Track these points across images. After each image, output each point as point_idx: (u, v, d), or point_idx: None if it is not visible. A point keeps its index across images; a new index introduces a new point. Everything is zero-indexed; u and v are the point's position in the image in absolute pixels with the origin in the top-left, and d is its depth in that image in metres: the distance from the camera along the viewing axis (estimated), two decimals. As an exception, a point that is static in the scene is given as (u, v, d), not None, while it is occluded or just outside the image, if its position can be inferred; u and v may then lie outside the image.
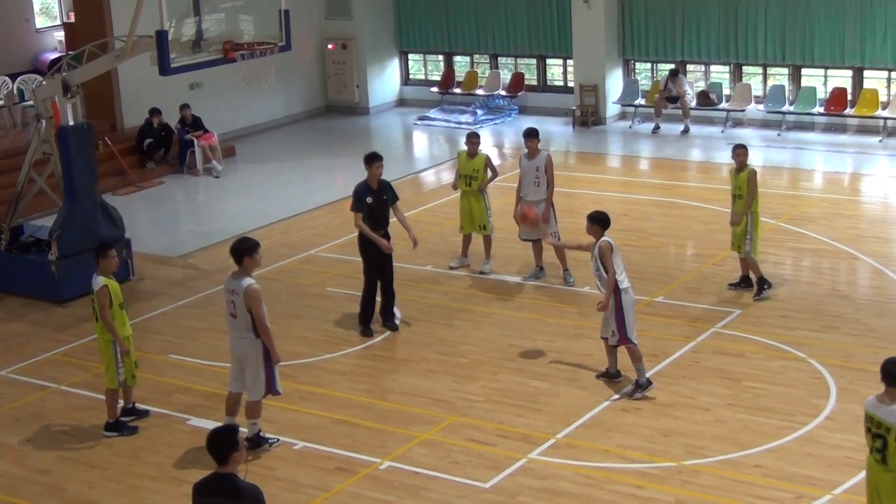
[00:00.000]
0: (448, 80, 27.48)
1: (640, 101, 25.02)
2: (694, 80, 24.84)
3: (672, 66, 24.54)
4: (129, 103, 23.13)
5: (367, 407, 12.28)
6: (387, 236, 13.96)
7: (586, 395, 12.18)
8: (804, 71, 23.78)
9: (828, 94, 23.33)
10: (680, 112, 24.01)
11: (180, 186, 22.09)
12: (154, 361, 13.46)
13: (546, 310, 14.66)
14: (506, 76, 26.88)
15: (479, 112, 26.02)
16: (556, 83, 26.64)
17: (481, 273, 15.93)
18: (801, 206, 18.51)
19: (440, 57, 27.88)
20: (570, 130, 24.80)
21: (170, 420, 12.13)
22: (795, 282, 15.40)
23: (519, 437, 11.36)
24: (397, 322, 14.28)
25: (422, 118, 26.33)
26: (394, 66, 27.98)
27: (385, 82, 27.80)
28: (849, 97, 23.07)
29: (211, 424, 11.01)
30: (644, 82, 25.48)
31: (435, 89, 27.41)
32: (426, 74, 28.35)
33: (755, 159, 21.12)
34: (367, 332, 14.00)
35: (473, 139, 15.89)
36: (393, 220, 14.11)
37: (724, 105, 24.14)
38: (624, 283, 12.01)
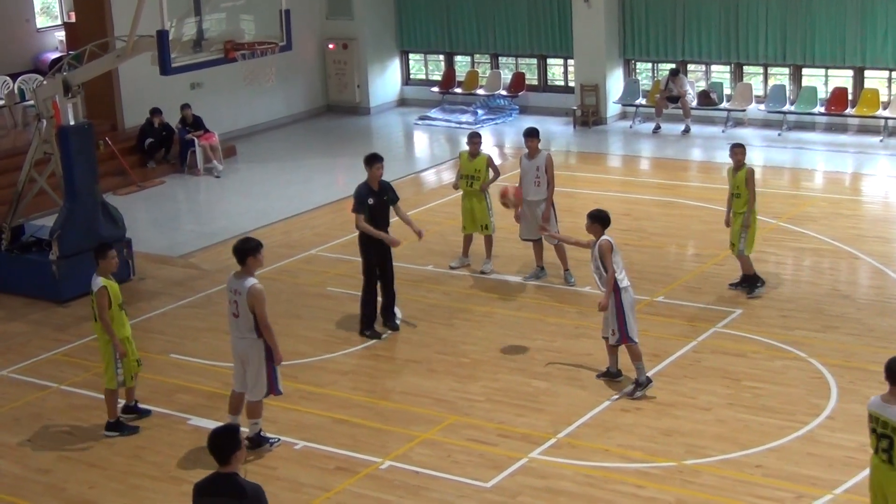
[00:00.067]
0: (449, 80, 27.48)
1: (641, 100, 25.01)
2: (695, 80, 24.83)
3: (673, 65, 24.54)
4: (129, 103, 23.13)
5: (368, 407, 12.28)
6: (386, 237, 13.98)
7: (587, 395, 12.19)
8: (805, 71, 23.78)
9: (828, 94, 23.32)
10: (681, 112, 24.00)
11: (181, 186, 22.10)
12: (155, 361, 13.47)
13: (547, 309, 14.67)
14: (506, 76, 26.88)
15: (480, 112, 26.01)
16: (557, 83, 26.64)
17: (482, 273, 15.93)
18: (801, 206, 18.51)
19: (441, 57, 27.88)
20: (571, 130, 24.80)
21: (171, 420, 12.13)
22: (796, 281, 15.40)
23: (520, 437, 11.36)
24: (398, 322, 14.28)
25: (422, 118, 26.32)
26: (394, 65, 27.98)
27: (386, 82, 27.81)
28: (849, 97, 23.07)
29: (212, 424, 11.00)
30: (645, 82, 25.48)
31: (436, 89, 27.41)
32: (427, 74, 28.35)
33: (756, 159, 21.22)
34: (374, 334, 13.99)
35: (475, 139, 15.89)
36: (394, 219, 14.11)
37: (724, 105, 24.14)
38: (624, 281, 12.01)
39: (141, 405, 12.23)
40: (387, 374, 13.18)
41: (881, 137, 22.43)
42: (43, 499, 10.75)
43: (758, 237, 15.34)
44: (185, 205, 21.43)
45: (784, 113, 23.39)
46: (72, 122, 15.94)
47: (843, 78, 23.38)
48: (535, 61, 26.63)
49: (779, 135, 23.19)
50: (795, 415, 11.53)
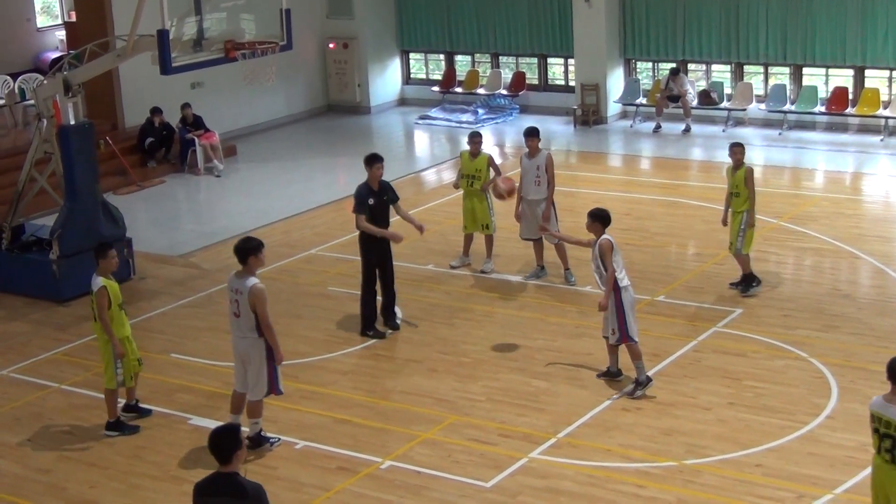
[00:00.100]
0: (449, 80, 27.48)
1: (642, 100, 25.01)
2: (695, 80, 24.82)
3: (673, 65, 24.53)
4: (130, 102, 23.14)
5: (369, 406, 12.27)
6: (386, 237, 13.96)
7: (587, 395, 12.18)
8: (805, 70, 23.77)
9: (829, 94, 23.32)
10: (681, 111, 24.00)
11: (181, 186, 22.09)
12: (155, 361, 13.46)
13: (547, 309, 14.66)
14: (507, 75, 26.88)
15: (481, 111, 26.01)
16: (558, 82, 26.64)
17: (482, 272, 15.92)
18: (802, 206, 18.50)
19: (441, 56, 27.88)
20: (572, 130, 24.79)
21: (171, 419, 12.13)
22: (797, 281, 15.40)
23: (520, 437, 11.36)
24: (398, 321, 14.28)
25: (423, 117, 26.32)
26: (395, 65, 27.98)
27: (386, 81, 27.80)
28: (850, 96, 23.06)
29: (212, 424, 11.00)
30: (645, 81, 25.48)
31: (436, 88, 27.41)
32: (427, 74, 28.35)
33: (757, 159, 21.23)
34: (377, 334, 13.98)
35: (476, 139, 15.88)
36: (394, 218, 14.10)
37: (725, 104, 24.13)
38: (624, 281, 12.01)
39: (142, 405, 12.22)
40: (387, 373, 13.18)
41: (882, 137, 22.42)
42: (43, 498, 10.75)
43: (758, 237, 15.35)
44: (185, 204, 21.43)
45: (785, 112, 23.39)
46: (72, 122, 15.93)
47: (843, 77, 23.37)
48: (535, 61, 26.62)
49: (779, 134, 23.19)
50: (796, 414, 11.53)
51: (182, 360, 13.72)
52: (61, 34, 28.33)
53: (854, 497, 9.96)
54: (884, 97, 22.80)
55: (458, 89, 27.22)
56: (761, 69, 24.36)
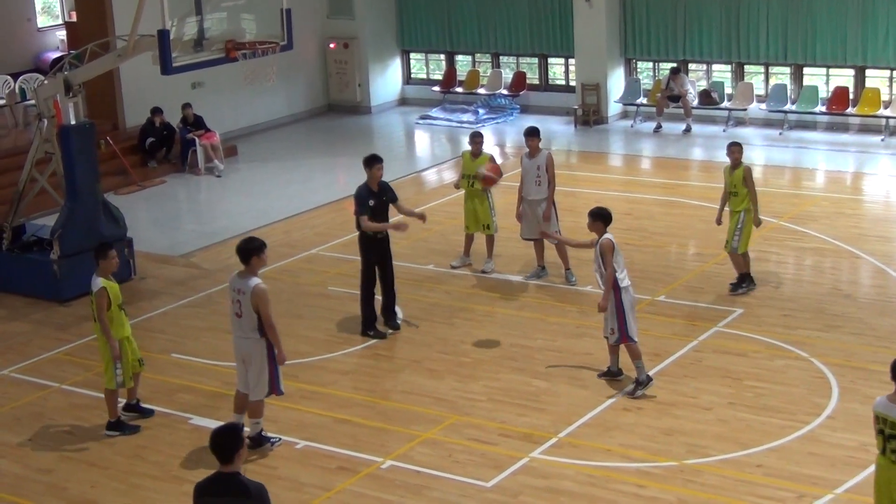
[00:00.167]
0: (450, 80, 27.48)
1: (642, 100, 25.01)
2: (696, 79, 24.82)
3: (674, 64, 24.52)
4: (130, 102, 23.14)
5: (369, 406, 12.28)
6: (386, 238, 13.97)
7: (588, 394, 12.18)
8: (806, 70, 23.76)
9: (830, 94, 23.31)
10: (682, 111, 24.00)
11: (182, 186, 22.10)
12: (156, 361, 13.46)
13: (548, 309, 14.66)
14: (507, 75, 26.87)
15: (481, 111, 26.01)
16: (558, 82, 26.64)
17: (483, 272, 15.93)
18: (803, 205, 18.50)
19: (442, 56, 27.88)
20: (572, 129, 24.79)
21: (172, 419, 12.13)
22: (797, 281, 15.40)
23: (521, 437, 11.36)
24: (399, 321, 14.28)
25: (423, 117, 26.32)
26: (395, 65, 27.98)
27: (387, 81, 27.80)
28: (851, 96, 23.06)
29: (213, 424, 11.00)
30: (646, 81, 25.48)
31: (437, 88, 27.41)
32: (428, 73, 28.35)
33: (757, 158, 21.24)
34: (378, 334, 13.98)
35: (477, 139, 15.88)
36: (396, 217, 14.11)
37: (725, 104, 24.13)
38: (624, 281, 12.00)
39: (143, 404, 12.22)
40: (388, 373, 13.18)
41: (882, 137, 22.42)
42: (44, 498, 10.75)
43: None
44: (185, 204, 21.43)
45: (785, 112, 23.38)
46: (73, 122, 15.94)
47: (844, 77, 23.36)
48: (536, 60, 26.62)
49: (780, 134, 23.18)
50: (797, 414, 11.53)
51: (183, 359, 13.72)
52: (62, 34, 28.32)
53: (855, 497, 9.97)
54: (884, 97, 22.79)
55: (459, 89, 27.22)
56: (762, 69, 24.35)
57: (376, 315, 14.10)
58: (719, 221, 14.94)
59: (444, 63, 27.92)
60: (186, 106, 22.79)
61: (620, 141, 23.95)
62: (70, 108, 15.89)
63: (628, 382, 12.25)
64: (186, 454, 11.34)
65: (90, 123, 16.54)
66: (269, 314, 10.82)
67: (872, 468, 8.86)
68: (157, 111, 22.46)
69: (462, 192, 16.17)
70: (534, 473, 10.66)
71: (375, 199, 13.74)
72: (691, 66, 25.00)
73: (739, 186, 14.48)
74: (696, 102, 24.14)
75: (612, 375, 12.44)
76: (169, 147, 22.73)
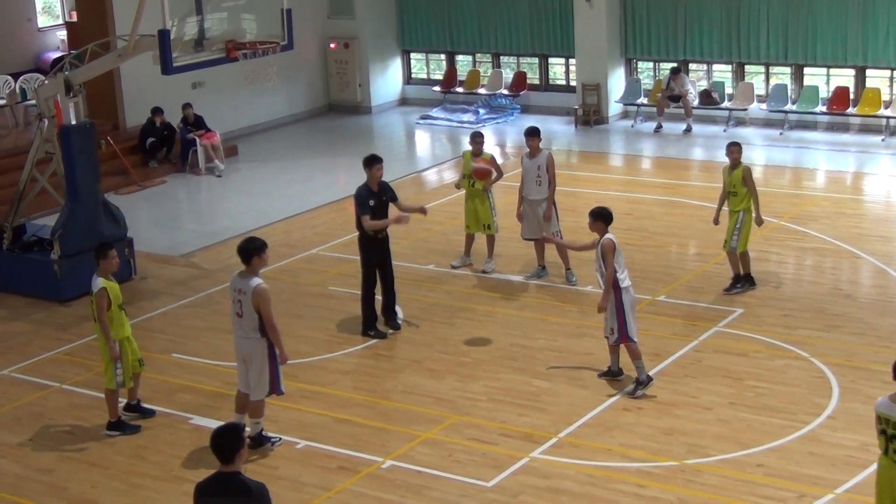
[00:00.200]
0: (450, 80, 27.48)
1: (643, 100, 25.01)
2: (696, 79, 24.82)
3: (674, 64, 24.51)
4: (131, 102, 23.14)
5: (370, 406, 12.28)
6: (386, 238, 13.96)
7: (588, 394, 12.18)
8: (806, 70, 23.76)
9: (830, 94, 23.31)
10: (682, 111, 24.00)
11: (182, 186, 22.10)
12: (156, 361, 13.46)
13: (548, 309, 14.66)
14: (508, 75, 26.87)
15: (482, 111, 26.01)
16: (559, 82, 26.64)
17: (483, 272, 15.92)
18: (803, 205, 18.50)
19: (442, 56, 27.88)
20: (573, 129, 24.79)
21: (172, 419, 12.13)
22: (798, 281, 15.40)
23: (521, 437, 11.36)
24: (399, 321, 14.28)
25: (424, 117, 26.32)
26: (396, 65, 27.98)
27: (387, 81, 27.80)
28: (851, 96, 23.06)
29: (213, 424, 11.01)
30: (646, 81, 25.48)
31: (437, 88, 27.41)
32: (428, 73, 28.35)
33: (758, 158, 21.25)
34: (378, 334, 13.99)
35: (477, 139, 15.87)
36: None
37: (726, 104, 24.12)
38: (625, 281, 12.00)
39: (144, 405, 12.22)
40: (388, 373, 13.18)
41: (883, 137, 22.41)
42: (44, 498, 10.75)
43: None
44: (186, 204, 21.43)
45: (786, 112, 23.38)
46: (73, 122, 15.94)
47: (844, 77, 23.36)
48: (536, 60, 26.62)
49: (780, 134, 23.18)
50: (797, 414, 11.53)
51: (183, 359, 13.72)
52: (62, 34, 28.33)
53: (855, 497, 9.96)
54: (885, 97, 22.79)
55: (459, 89, 27.22)
56: (762, 69, 24.35)
57: (377, 315, 14.10)
58: (716, 221, 14.97)
59: (444, 63, 27.92)
60: (187, 106, 22.79)
61: (621, 141, 23.95)
62: (70, 108, 15.89)
63: (629, 382, 12.25)
64: (187, 454, 11.34)
65: (91, 123, 16.54)
66: (271, 314, 10.82)
67: (873, 468, 8.88)
68: (157, 111, 22.46)
69: (463, 192, 16.17)
70: (534, 473, 10.66)
71: (375, 200, 13.73)
72: (692, 66, 25.00)
73: (738, 186, 14.50)
74: (696, 102, 24.14)
75: (613, 375, 12.44)
76: (169, 147, 22.73)
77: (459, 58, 27.76)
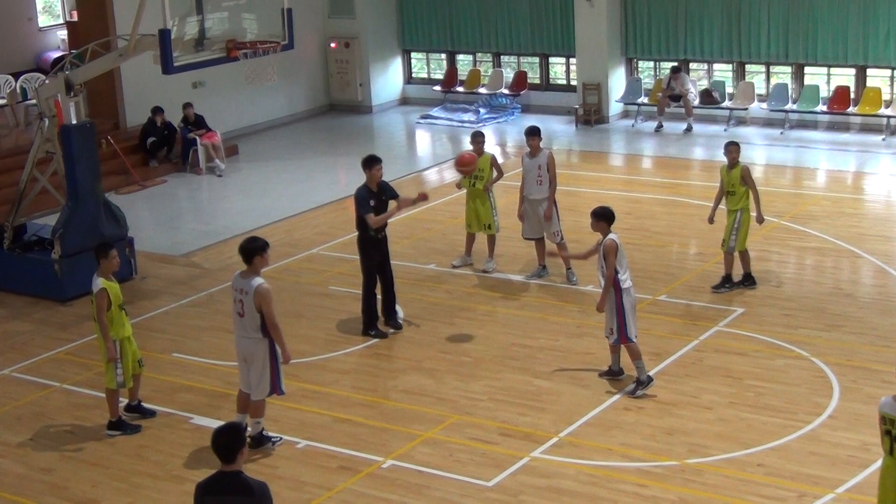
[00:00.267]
0: (451, 79, 27.48)
1: (643, 99, 25.00)
2: (697, 79, 24.82)
3: (675, 64, 24.50)
4: (131, 102, 23.15)
5: (370, 405, 12.28)
6: (385, 238, 13.97)
7: (589, 394, 12.18)
8: (807, 69, 23.75)
9: (831, 93, 23.31)
10: (683, 110, 24.00)
11: (183, 185, 22.10)
12: (157, 360, 13.47)
13: (549, 308, 14.66)
14: (508, 75, 26.87)
15: (482, 111, 26.01)
16: (559, 82, 26.64)
17: (484, 272, 15.93)
18: (803, 205, 18.50)
19: (443, 55, 27.88)
20: (573, 129, 24.78)
21: (173, 419, 12.13)
22: (798, 280, 15.40)
23: (522, 436, 11.36)
24: (400, 321, 14.28)
25: (424, 117, 26.32)
26: (396, 64, 27.98)
27: (388, 81, 27.80)
28: (852, 95, 23.06)
29: (214, 423, 11.03)
30: (647, 81, 25.48)
31: (438, 88, 27.41)
32: (429, 73, 28.35)
33: (758, 158, 21.25)
34: (379, 334, 13.99)
35: (478, 139, 15.88)
36: (397, 217, 14.10)
37: (726, 103, 24.12)
38: (626, 282, 11.99)
39: (145, 405, 12.22)
40: (388, 372, 13.18)
41: (883, 136, 22.41)
42: (45, 498, 10.76)
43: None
44: (187, 204, 21.43)
45: (786, 111, 23.38)
46: (74, 121, 15.94)
47: (845, 76, 23.36)
48: (537, 60, 26.62)
49: (781, 133, 23.17)
50: (798, 414, 11.53)
51: (184, 359, 13.72)
52: (63, 34, 28.33)
53: (856, 496, 9.96)
54: (885, 96, 22.79)
55: (460, 89, 27.22)
56: (763, 68, 24.35)
57: (377, 314, 14.11)
58: (711, 220, 14.97)
59: (445, 62, 27.92)
60: (187, 105, 22.79)
61: (621, 140, 23.95)
62: (71, 107, 15.89)
63: (629, 382, 12.25)
64: (188, 454, 11.34)
65: (91, 123, 16.56)
66: (273, 314, 10.82)
67: (874, 468, 8.88)
68: (158, 111, 22.47)
69: (464, 191, 16.17)
70: (535, 473, 10.66)
71: (375, 199, 13.74)
72: (692, 66, 24.99)
73: (737, 186, 14.51)
74: (697, 102, 24.14)
75: (614, 375, 12.44)
76: (170, 146, 22.74)
77: (460, 57, 27.76)
